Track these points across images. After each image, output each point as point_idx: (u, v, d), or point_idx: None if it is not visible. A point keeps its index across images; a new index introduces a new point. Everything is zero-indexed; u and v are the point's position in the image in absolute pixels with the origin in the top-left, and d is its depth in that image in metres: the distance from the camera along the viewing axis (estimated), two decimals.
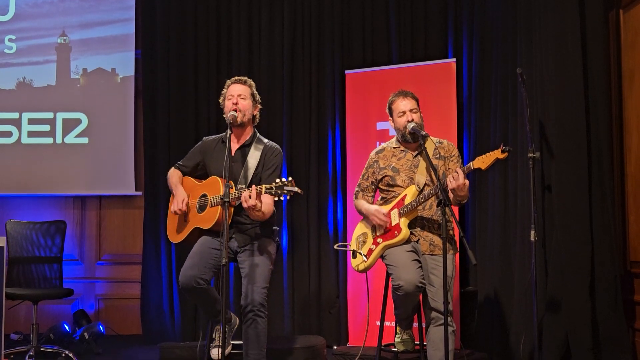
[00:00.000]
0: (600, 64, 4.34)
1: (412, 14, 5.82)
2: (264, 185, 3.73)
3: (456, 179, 3.65)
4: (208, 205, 4.08)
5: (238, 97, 4.12)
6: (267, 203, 3.92)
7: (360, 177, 4.22)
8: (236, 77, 4.25)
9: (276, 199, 3.74)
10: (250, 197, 3.76)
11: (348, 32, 5.95)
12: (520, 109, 4.58)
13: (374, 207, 4.04)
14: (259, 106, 4.26)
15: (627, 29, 4.50)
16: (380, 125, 5.46)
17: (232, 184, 3.94)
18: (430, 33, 5.78)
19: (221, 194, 3.88)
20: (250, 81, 4.23)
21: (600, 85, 4.33)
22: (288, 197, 3.69)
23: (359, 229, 4.18)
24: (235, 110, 4.06)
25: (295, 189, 3.66)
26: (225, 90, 4.23)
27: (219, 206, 3.95)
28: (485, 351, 4.94)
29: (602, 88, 4.34)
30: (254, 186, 3.80)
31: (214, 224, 4.00)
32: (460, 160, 4.07)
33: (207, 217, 4.07)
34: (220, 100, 4.26)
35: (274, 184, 3.69)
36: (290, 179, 3.69)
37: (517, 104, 4.70)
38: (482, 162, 3.63)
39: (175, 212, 4.17)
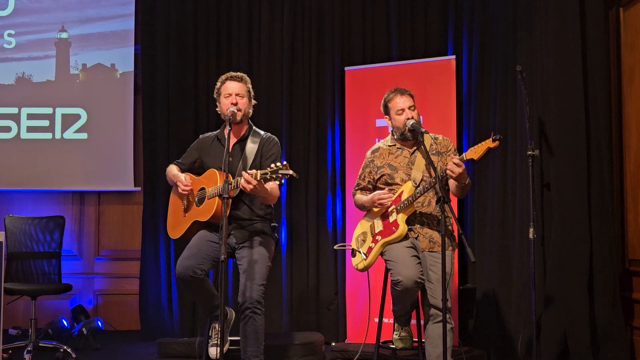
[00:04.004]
0: (600, 61, 4.34)
1: (412, 11, 5.81)
2: (259, 171, 3.70)
3: (459, 165, 3.62)
4: (206, 198, 4.08)
5: (236, 96, 4.10)
6: (272, 187, 3.94)
7: (358, 177, 4.21)
8: (231, 74, 4.20)
9: (271, 183, 3.73)
10: (248, 181, 3.74)
11: (348, 29, 5.94)
12: (520, 107, 4.58)
13: (371, 195, 4.02)
14: (254, 101, 4.26)
15: (627, 27, 4.50)
16: (380, 122, 5.45)
17: (231, 178, 3.94)
18: (430, 30, 5.77)
19: (219, 185, 3.88)
20: (245, 77, 4.20)
21: (600, 83, 4.33)
22: (282, 181, 3.67)
23: (359, 229, 4.17)
24: (235, 109, 4.05)
25: (290, 172, 3.62)
26: (219, 85, 4.18)
27: (217, 198, 3.95)
28: (483, 348, 4.95)
29: (602, 86, 4.34)
30: (252, 170, 3.75)
31: (212, 216, 4.00)
32: (457, 154, 4.05)
33: (205, 209, 4.07)
34: (215, 95, 4.23)
35: (268, 168, 3.67)
36: (285, 162, 3.67)
37: (517, 102, 4.70)
38: (474, 152, 3.62)
39: (184, 191, 4.14)
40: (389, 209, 3.94)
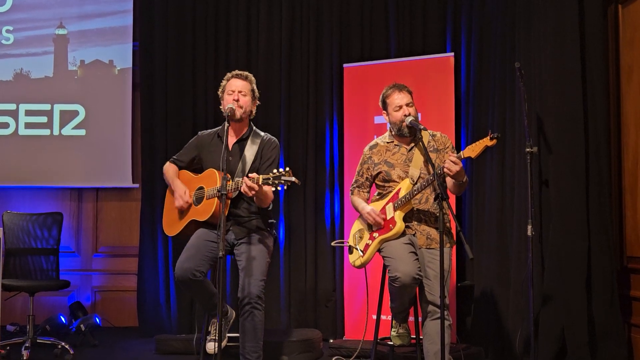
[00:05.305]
0: (599, 59, 4.34)
1: (410, 7, 5.81)
2: (261, 176, 3.73)
3: (456, 163, 3.62)
4: (204, 198, 4.07)
5: (239, 93, 4.12)
6: (269, 190, 3.94)
7: (356, 173, 4.20)
8: (237, 72, 4.23)
9: (273, 189, 3.74)
10: (251, 188, 3.76)
11: (347, 26, 5.94)
12: (518, 104, 4.57)
13: (367, 208, 4.01)
14: (257, 102, 4.26)
15: (625, 25, 4.50)
16: (378, 120, 5.45)
17: (230, 176, 3.94)
18: (428, 27, 5.76)
19: (218, 186, 3.88)
20: (250, 76, 4.22)
21: (599, 80, 4.33)
22: (285, 187, 3.68)
23: (356, 225, 4.16)
24: (235, 105, 4.06)
25: (293, 179, 3.66)
26: (224, 82, 4.21)
27: (216, 198, 3.95)
28: (481, 345, 4.95)
29: (601, 83, 4.34)
30: (254, 174, 3.79)
31: (210, 216, 4.00)
32: (455, 152, 4.04)
33: (204, 209, 4.07)
34: (219, 93, 4.24)
35: (271, 174, 3.69)
36: (287, 169, 3.69)
37: (515, 99, 4.70)
38: (472, 150, 3.61)
39: (181, 207, 4.16)
40: (387, 206, 3.93)
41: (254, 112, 4.25)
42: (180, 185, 4.21)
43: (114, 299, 6.38)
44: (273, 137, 4.24)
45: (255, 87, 4.21)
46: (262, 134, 4.24)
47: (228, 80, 4.20)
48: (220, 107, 4.23)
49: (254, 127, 4.26)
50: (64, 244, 5.87)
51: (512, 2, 4.90)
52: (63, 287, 5.23)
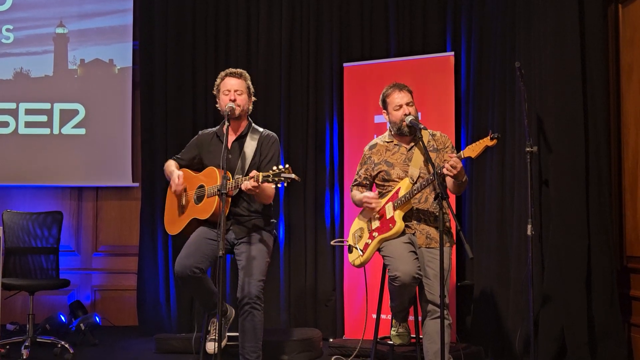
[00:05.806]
0: (599, 58, 4.34)
1: (410, 7, 5.81)
2: (261, 173, 3.72)
3: (457, 163, 3.62)
4: (205, 196, 4.07)
5: (235, 92, 4.10)
6: (268, 186, 3.93)
7: (356, 173, 4.20)
8: (230, 70, 4.20)
9: (273, 186, 3.74)
10: (254, 187, 3.77)
11: (347, 26, 5.94)
12: (519, 103, 4.58)
13: (362, 195, 4.02)
14: (254, 98, 4.25)
15: (625, 24, 4.50)
16: (378, 119, 5.45)
17: (230, 175, 3.94)
18: (428, 26, 5.76)
19: (218, 184, 3.88)
20: (245, 74, 4.19)
21: (599, 80, 4.33)
22: (285, 184, 3.68)
23: (355, 224, 4.17)
24: (234, 104, 4.05)
25: (293, 175, 3.65)
26: (219, 81, 4.18)
27: (217, 197, 3.95)
28: (481, 345, 4.95)
29: (601, 83, 4.34)
30: (254, 172, 3.79)
31: (211, 214, 3.99)
32: (455, 151, 4.05)
33: (205, 207, 4.07)
34: (214, 92, 4.23)
35: (271, 171, 3.68)
36: (287, 166, 3.68)
37: (515, 98, 4.70)
38: (472, 150, 3.62)
39: (175, 192, 4.14)
40: (386, 205, 3.93)
41: (251, 108, 4.24)
42: (175, 172, 4.18)
43: (113, 298, 6.38)
44: (272, 133, 4.23)
45: (250, 84, 4.19)
46: (261, 129, 4.23)
47: (222, 79, 4.17)
48: (217, 105, 4.23)
49: (253, 123, 4.25)
50: (64, 243, 5.88)
51: (512, 2, 4.90)
52: (63, 286, 5.24)
